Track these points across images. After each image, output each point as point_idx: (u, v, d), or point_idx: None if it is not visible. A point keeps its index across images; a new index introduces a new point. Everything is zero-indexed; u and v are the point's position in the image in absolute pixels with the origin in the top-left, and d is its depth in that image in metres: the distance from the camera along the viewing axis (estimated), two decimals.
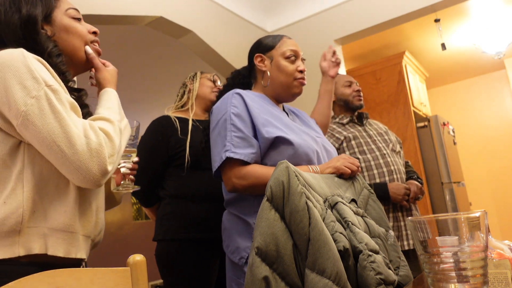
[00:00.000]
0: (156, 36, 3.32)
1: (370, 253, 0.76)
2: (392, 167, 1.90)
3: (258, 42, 1.40)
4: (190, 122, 1.68)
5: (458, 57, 4.64)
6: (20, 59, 0.78)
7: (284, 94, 1.34)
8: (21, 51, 0.80)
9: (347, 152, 1.95)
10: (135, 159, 1.06)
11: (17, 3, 0.89)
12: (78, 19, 0.98)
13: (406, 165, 2.10)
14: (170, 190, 1.65)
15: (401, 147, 2.10)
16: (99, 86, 0.99)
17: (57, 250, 0.80)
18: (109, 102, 0.93)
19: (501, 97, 5.22)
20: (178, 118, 1.70)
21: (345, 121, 2.05)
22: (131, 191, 1.06)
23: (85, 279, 0.72)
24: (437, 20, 3.59)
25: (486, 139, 5.21)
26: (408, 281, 0.94)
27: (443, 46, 3.38)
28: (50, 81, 0.79)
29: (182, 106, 1.79)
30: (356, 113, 2.08)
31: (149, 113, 5.32)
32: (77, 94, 0.93)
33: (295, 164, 1.15)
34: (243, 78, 1.43)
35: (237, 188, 1.17)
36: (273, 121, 1.20)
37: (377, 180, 1.88)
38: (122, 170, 1.03)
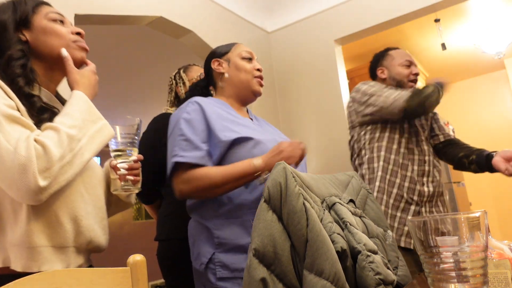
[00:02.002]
0: (156, 36, 3.32)
1: (369, 253, 0.76)
2: (426, 157, 1.72)
3: (213, 50, 1.42)
4: None
5: (458, 57, 4.65)
6: None
7: (245, 92, 1.35)
8: None
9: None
10: (134, 157, 1.00)
11: None
12: (61, 22, 0.97)
13: (448, 144, 1.83)
14: (172, 187, 1.65)
15: (434, 134, 1.86)
16: (70, 89, 0.94)
17: (15, 265, 0.80)
18: (69, 107, 0.87)
19: (501, 97, 5.22)
20: None
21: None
22: (135, 192, 1.02)
23: (85, 279, 0.72)
24: (437, 20, 3.59)
25: (486, 139, 5.21)
26: (407, 281, 0.94)
27: (443, 46, 3.38)
28: None
29: (179, 102, 1.80)
30: None
31: (149, 112, 5.32)
32: (29, 100, 0.88)
33: (257, 156, 1.15)
34: (202, 89, 1.43)
35: (183, 193, 1.16)
36: (231, 126, 1.20)
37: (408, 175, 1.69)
38: (120, 171, 0.98)
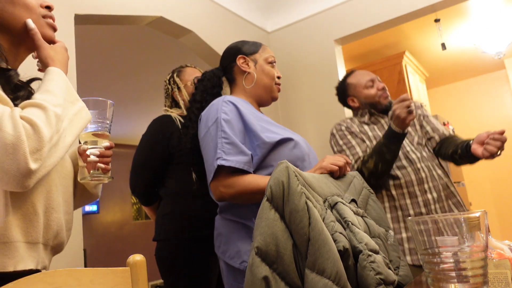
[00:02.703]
0: (156, 36, 3.32)
1: (370, 253, 0.76)
2: (419, 165, 1.67)
3: (238, 47, 1.41)
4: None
5: (458, 57, 4.65)
6: None
7: (266, 96, 1.38)
8: None
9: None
10: (106, 144, 0.91)
11: None
12: None
13: (446, 140, 1.77)
14: (170, 188, 1.65)
15: (429, 137, 1.81)
16: (43, 66, 0.85)
17: None
18: (50, 83, 0.78)
19: (501, 97, 5.22)
20: (181, 116, 1.71)
21: (366, 117, 1.82)
22: (105, 181, 0.92)
23: (85, 279, 0.72)
24: (437, 20, 3.59)
25: None
26: (408, 281, 0.94)
27: (443, 46, 3.38)
28: None
29: (177, 106, 1.80)
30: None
31: (149, 112, 5.33)
32: (4, 75, 0.80)
33: (297, 157, 1.18)
34: (219, 80, 1.42)
35: (224, 197, 1.15)
36: (269, 127, 1.23)
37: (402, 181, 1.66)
38: (90, 158, 0.89)
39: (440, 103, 5.52)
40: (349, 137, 1.77)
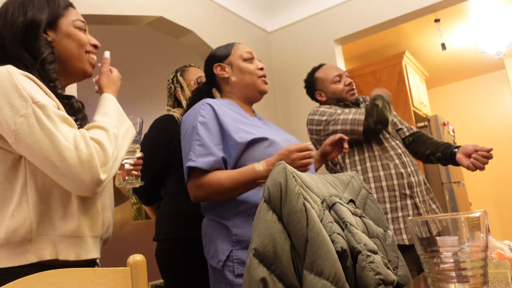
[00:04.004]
0: (156, 36, 3.32)
1: (369, 253, 0.76)
2: (399, 150, 1.74)
3: (212, 54, 1.43)
4: None
5: (458, 57, 4.65)
6: (7, 78, 0.80)
7: (252, 93, 1.37)
8: (7, 69, 0.82)
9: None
10: (138, 154, 1.08)
11: (26, 7, 0.93)
12: (83, 30, 1.02)
13: (416, 137, 1.86)
14: (171, 188, 1.65)
15: (398, 128, 1.90)
16: (99, 91, 1.03)
17: (68, 255, 0.85)
18: (106, 108, 0.95)
19: (501, 97, 5.22)
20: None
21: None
22: (136, 185, 1.09)
23: (85, 279, 0.72)
24: (437, 20, 3.59)
25: (486, 139, 5.21)
26: (406, 281, 0.94)
27: (443, 46, 3.38)
28: (38, 97, 0.81)
29: (179, 105, 1.80)
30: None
31: (149, 112, 5.32)
32: (68, 101, 0.96)
33: (272, 155, 1.17)
34: (206, 94, 1.45)
35: (198, 198, 1.20)
36: (244, 127, 1.23)
37: (380, 174, 1.71)
38: (126, 166, 1.06)
39: (440, 103, 5.52)
40: (331, 110, 1.79)
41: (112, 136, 0.88)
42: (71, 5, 1.03)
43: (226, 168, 1.21)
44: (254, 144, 1.19)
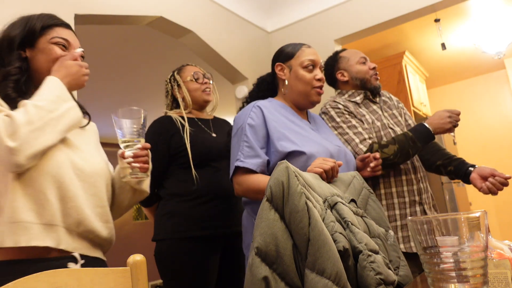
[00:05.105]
0: (156, 36, 3.32)
1: (370, 253, 0.76)
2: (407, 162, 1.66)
3: (280, 51, 1.45)
4: (186, 123, 1.68)
5: (458, 57, 4.65)
6: None
7: (303, 102, 1.39)
8: None
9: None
10: (139, 145, 1.07)
11: (9, 27, 1.07)
12: (63, 46, 1.08)
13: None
14: (170, 188, 1.65)
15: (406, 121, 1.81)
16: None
17: (7, 240, 0.88)
18: (41, 89, 0.98)
19: (501, 97, 5.22)
20: (181, 117, 1.71)
21: (358, 98, 1.74)
22: (142, 179, 1.08)
23: (85, 279, 0.72)
24: (437, 20, 3.59)
25: (486, 139, 5.21)
26: (408, 281, 0.94)
27: (443, 46, 3.38)
28: None
29: (177, 107, 1.80)
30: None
31: (149, 112, 5.32)
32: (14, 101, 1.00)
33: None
34: (268, 85, 1.49)
35: (238, 193, 1.27)
36: (289, 135, 1.26)
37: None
38: (127, 159, 1.05)
39: (440, 103, 5.52)
40: (347, 116, 1.67)
41: (29, 107, 0.90)
42: (59, 25, 1.10)
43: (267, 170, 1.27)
44: (293, 156, 1.22)
